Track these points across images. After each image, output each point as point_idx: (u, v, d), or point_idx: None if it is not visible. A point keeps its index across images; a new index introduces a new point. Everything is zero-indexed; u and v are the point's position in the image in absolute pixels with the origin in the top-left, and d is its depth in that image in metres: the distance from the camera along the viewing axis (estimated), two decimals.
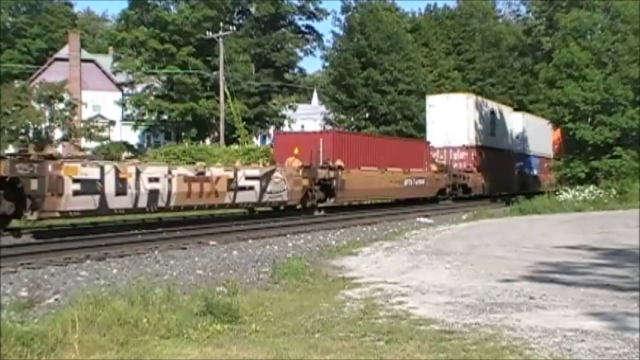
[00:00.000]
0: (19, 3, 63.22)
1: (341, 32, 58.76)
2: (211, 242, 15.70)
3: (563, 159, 36.29)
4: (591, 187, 30.35)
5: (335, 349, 5.93)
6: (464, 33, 63.10)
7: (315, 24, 57.49)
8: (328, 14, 58.37)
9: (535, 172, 49.79)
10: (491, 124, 42.75)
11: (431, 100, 41.75)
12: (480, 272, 10.46)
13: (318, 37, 57.99)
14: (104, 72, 59.38)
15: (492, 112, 43.07)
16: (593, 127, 32.26)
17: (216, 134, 49.01)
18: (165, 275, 10.64)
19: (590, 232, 17.40)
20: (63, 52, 55.83)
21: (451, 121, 38.79)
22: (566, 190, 30.82)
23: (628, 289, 8.69)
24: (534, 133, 48.70)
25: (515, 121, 47.22)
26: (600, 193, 29.73)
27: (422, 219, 24.02)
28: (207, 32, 45.52)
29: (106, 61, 58.52)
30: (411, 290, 8.94)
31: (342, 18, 59.24)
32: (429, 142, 37.81)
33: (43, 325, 6.36)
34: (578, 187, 30.91)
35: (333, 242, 16.05)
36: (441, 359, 5.65)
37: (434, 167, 35.17)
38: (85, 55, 57.40)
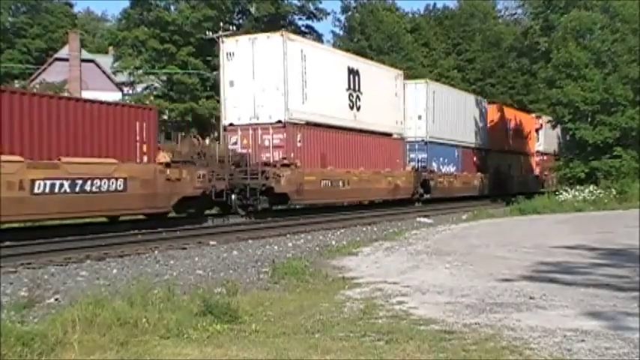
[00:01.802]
0: (19, 3, 63.16)
1: (341, 32, 58.86)
2: (211, 242, 15.70)
3: (563, 159, 36.33)
4: (591, 187, 30.39)
5: (335, 349, 5.93)
6: (464, 33, 63.14)
7: (315, 24, 57.40)
8: (328, 14, 58.38)
9: (452, 169, 36.47)
10: (352, 90, 27.58)
11: (228, 46, 24.57)
12: (480, 272, 10.46)
13: (318, 37, 57.92)
14: (104, 72, 59.33)
15: (353, 72, 27.74)
16: (593, 127, 32.30)
17: (216, 134, 48.96)
18: (165, 275, 10.64)
19: (590, 232, 17.41)
20: (63, 52, 55.75)
21: (261, 81, 23.56)
22: (566, 190, 30.86)
23: (628, 289, 8.69)
24: (452, 111, 35.87)
25: (413, 92, 33.08)
26: (600, 193, 29.77)
27: (422, 219, 24.04)
28: (207, 32, 45.51)
29: (106, 61, 58.47)
30: (411, 290, 8.93)
31: (342, 18, 59.34)
32: (151, 109, 20.40)
33: (43, 325, 6.37)
34: (578, 187, 30.96)
35: (333, 242, 16.06)
36: (441, 359, 5.65)
37: (164, 157, 19.52)
38: (85, 55, 57.36)
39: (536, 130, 50.05)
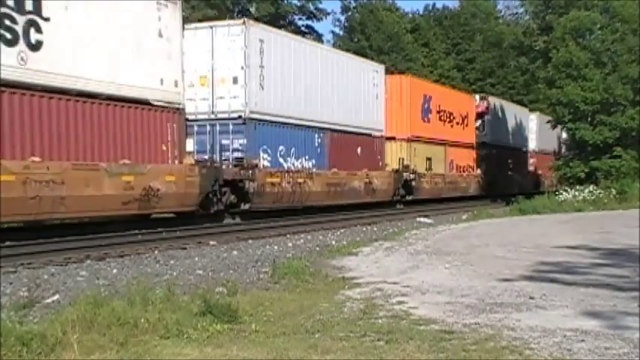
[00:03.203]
0: None
1: (341, 32, 58.81)
2: (211, 242, 15.70)
3: (563, 159, 36.35)
4: (591, 187, 30.40)
5: (335, 349, 5.93)
6: (464, 33, 63.12)
7: (315, 24, 57.38)
8: (328, 14, 58.29)
9: (308, 164, 24.02)
10: (11, 10, 13.98)
11: None
12: (480, 272, 10.46)
13: (318, 37, 57.93)
14: None
15: None
16: (593, 127, 32.34)
17: None
18: (165, 275, 10.64)
19: (590, 232, 17.41)
20: None
21: None
22: (566, 190, 30.87)
23: (628, 289, 8.69)
24: (307, 76, 23.84)
25: (224, 41, 20.89)
26: (600, 193, 29.79)
27: (422, 219, 24.04)
28: None
29: None
30: (411, 290, 8.93)
31: (342, 18, 59.27)
32: None
33: (42, 325, 6.36)
34: (578, 187, 30.97)
35: (333, 242, 16.06)
36: (441, 359, 5.65)
37: None
38: None
39: (480, 115, 39.80)
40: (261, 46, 21.44)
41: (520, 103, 55.69)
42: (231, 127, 21.05)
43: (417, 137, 31.94)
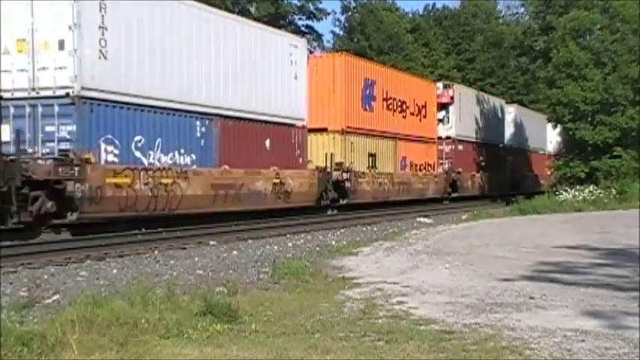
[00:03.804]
0: None
1: (341, 32, 58.78)
2: (211, 242, 15.70)
3: (563, 159, 36.33)
4: (591, 187, 30.42)
5: (335, 349, 5.93)
6: (464, 33, 63.13)
7: (315, 24, 57.35)
8: (328, 14, 58.27)
9: (185, 160, 18.49)
10: None
11: None
12: (480, 272, 10.46)
13: (318, 37, 57.95)
14: None
15: None
16: (593, 127, 32.36)
17: None
18: (165, 275, 10.64)
19: (590, 232, 17.41)
20: None
21: None
22: (566, 190, 30.89)
23: (628, 289, 8.70)
24: (182, 40, 18.35)
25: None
26: (600, 193, 29.80)
27: (422, 219, 24.04)
28: None
29: None
30: (411, 290, 8.93)
31: (342, 18, 59.24)
32: None
33: (42, 325, 6.36)
34: (578, 187, 30.99)
35: (333, 242, 16.06)
36: (441, 359, 5.65)
37: None
38: None
39: (444, 106, 35.27)
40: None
41: (520, 103, 55.70)
42: (56, 108, 15.62)
43: (356, 129, 26.63)
